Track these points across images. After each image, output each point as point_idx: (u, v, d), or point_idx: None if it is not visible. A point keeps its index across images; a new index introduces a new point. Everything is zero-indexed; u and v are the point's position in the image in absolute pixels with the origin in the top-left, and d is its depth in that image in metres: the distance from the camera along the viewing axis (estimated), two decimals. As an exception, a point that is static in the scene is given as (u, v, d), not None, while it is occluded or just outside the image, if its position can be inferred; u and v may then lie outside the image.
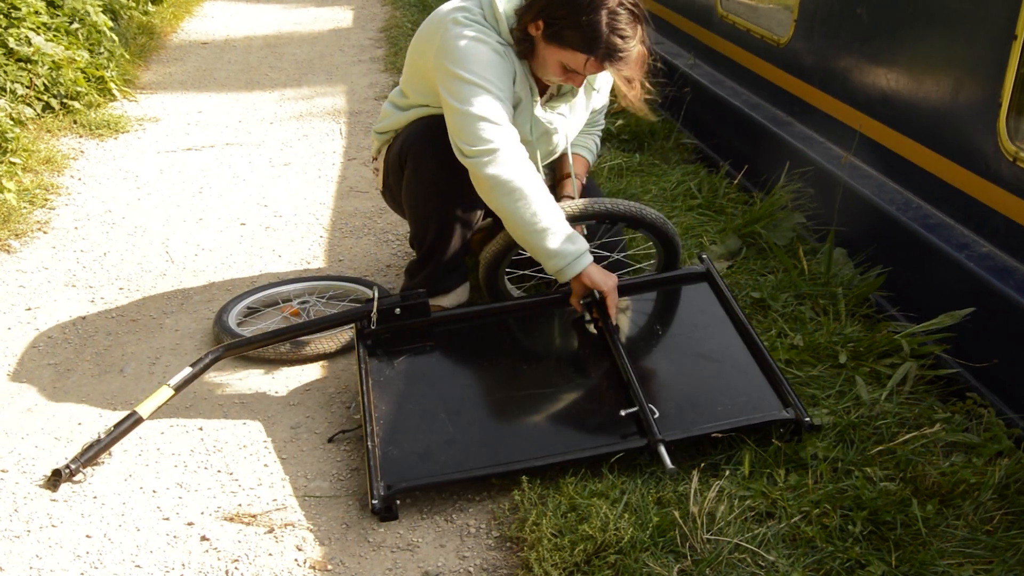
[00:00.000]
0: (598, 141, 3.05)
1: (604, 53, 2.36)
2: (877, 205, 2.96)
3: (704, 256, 2.74)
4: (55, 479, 2.27)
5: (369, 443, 2.23)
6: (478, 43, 2.42)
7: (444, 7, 2.55)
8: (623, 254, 2.90)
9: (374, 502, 2.12)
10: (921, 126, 2.91)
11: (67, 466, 2.27)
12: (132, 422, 2.36)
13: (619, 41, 2.35)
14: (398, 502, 2.16)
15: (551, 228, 2.39)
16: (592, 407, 2.37)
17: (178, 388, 2.43)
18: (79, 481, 2.29)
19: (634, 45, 2.39)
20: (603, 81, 2.80)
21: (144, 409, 2.37)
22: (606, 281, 2.47)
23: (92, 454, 2.31)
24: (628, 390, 2.33)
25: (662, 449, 2.16)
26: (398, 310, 2.56)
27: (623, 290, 2.62)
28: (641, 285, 2.71)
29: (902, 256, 2.85)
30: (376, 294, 2.60)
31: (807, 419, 2.23)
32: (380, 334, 2.56)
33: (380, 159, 2.88)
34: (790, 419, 2.24)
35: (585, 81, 2.59)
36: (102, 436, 2.33)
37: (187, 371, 2.46)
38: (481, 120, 2.38)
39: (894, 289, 2.85)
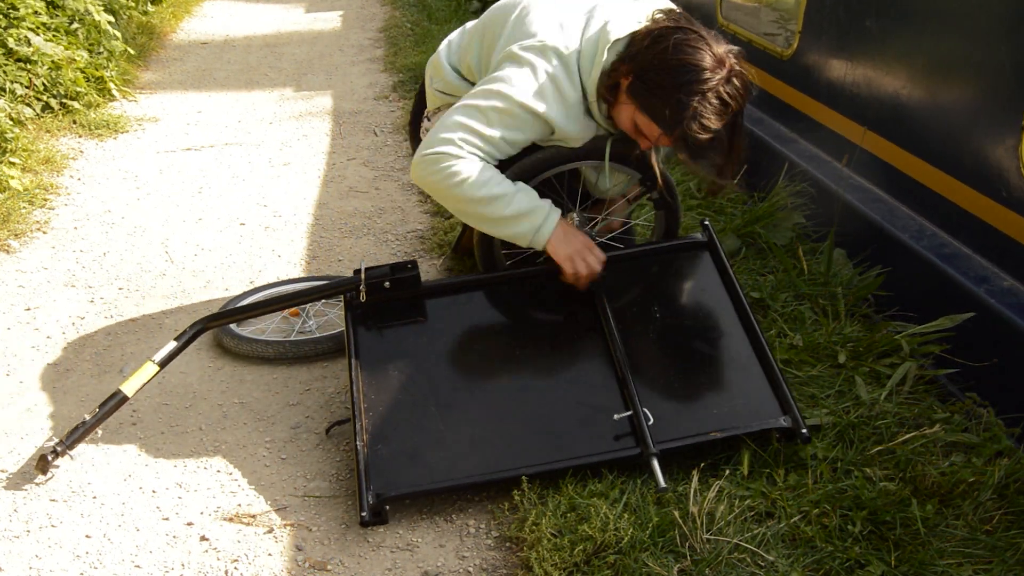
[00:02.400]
0: None
1: (680, 136, 2.25)
2: (887, 231, 2.80)
3: (706, 223, 2.63)
4: (43, 463, 2.27)
5: (358, 442, 2.20)
6: (552, 87, 2.34)
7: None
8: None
9: (363, 514, 2.09)
10: (936, 147, 2.74)
11: (53, 449, 2.28)
12: (117, 401, 2.36)
13: (698, 131, 2.24)
14: (388, 507, 2.14)
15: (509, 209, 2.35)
16: (585, 406, 2.30)
17: (162, 364, 2.42)
18: (56, 468, 2.30)
19: (712, 134, 2.27)
20: None
21: (129, 387, 2.36)
22: (567, 255, 2.42)
23: (78, 436, 2.32)
24: (623, 387, 2.30)
25: (655, 464, 2.13)
26: (387, 283, 2.50)
27: (620, 260, 2.57)
28: (639, 256, 2.62)
29: (914, 286, 2.69)
30: (363, 266, 2.53)
31: (804, 430, 2.19)
32: (369, 306, 2.51)
33: (436, 119, 2.74)
34: (786, 427, 2.21)
35: None
36: (87, 418, 2.34)
37: (171, 345, 2.45)
38: (453, 141, 2.32)
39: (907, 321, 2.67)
